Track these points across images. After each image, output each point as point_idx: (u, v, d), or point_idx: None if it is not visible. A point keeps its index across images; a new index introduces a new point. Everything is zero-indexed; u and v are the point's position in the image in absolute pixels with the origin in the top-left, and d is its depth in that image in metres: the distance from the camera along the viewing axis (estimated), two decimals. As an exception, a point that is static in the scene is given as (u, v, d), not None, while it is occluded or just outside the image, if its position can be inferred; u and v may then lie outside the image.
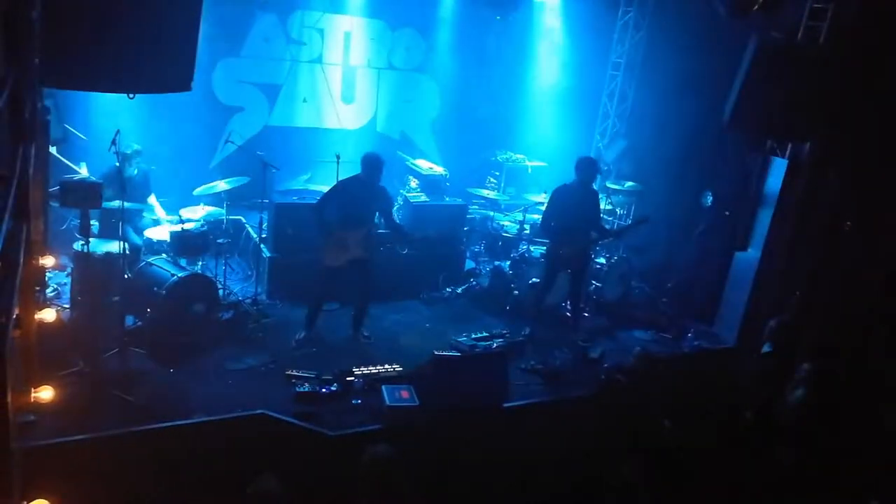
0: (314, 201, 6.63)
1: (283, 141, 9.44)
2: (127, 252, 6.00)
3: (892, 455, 5.31)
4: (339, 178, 6.71)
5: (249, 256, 7.91)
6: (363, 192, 6.38)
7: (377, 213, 6.63)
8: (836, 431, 5.56)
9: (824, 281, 6.89)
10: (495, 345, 6.80)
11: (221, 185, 7.18)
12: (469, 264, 8.70)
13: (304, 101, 9.76)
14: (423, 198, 8.35)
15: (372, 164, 6.32)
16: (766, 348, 6.34)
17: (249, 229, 8.09)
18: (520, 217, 8.63)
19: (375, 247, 6.57)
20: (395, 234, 6.84)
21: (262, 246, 7.58)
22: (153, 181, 7.35)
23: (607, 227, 7.96)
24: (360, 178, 6.41)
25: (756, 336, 6.72)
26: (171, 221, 6.98)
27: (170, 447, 4.88)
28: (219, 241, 7.03)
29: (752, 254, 7.60)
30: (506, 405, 5.84)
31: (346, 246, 6.36)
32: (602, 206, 7.68)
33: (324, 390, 5.67)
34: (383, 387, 5.58)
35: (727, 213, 8.21)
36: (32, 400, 4.77)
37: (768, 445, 5.50)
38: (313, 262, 6.50)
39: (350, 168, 6.93)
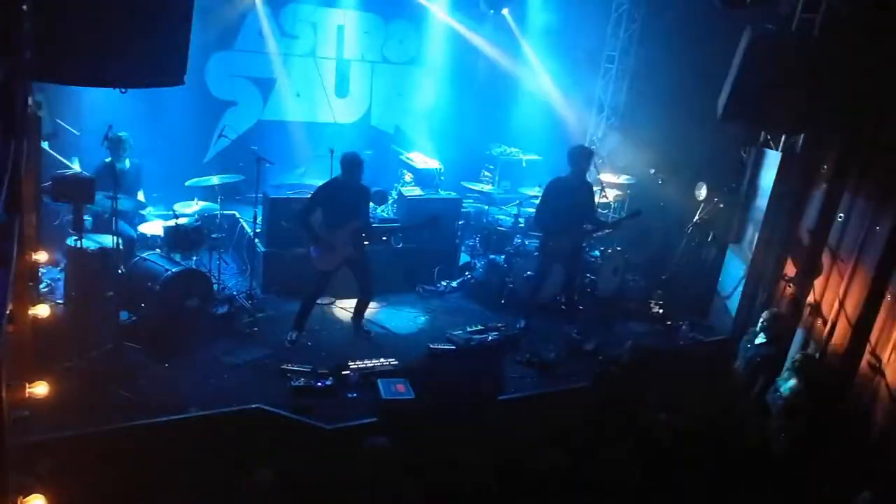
0: (307, 195, 6.61)
1: (276, 135, 9.40)
2: (121, 247, 5.98)
3: (885, 447, 5.35)
4: (330, 176, 6.68)
5: (244, 251, 7.89)
6: (345, 193, 6.37)
7: (360, 211, 6.57)
8: (826, 420, 5.60)
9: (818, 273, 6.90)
10: (490, 338, 6.79)
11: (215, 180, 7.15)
12: (464, 258, 8.71)
13: (298, 95, 9.73)
14: (418, 192, 8.34)
15: (351, 165, 6.30)
16: (759, 339, 6.39)
17: (244, 224, 8.07)
18: (514, 210, 8.63)
19: (363, 243, 6.55)
20: (368, 231, 6.65)
21: (256, 240, 7.57)
22: (145, 175, 7.32)
23: (601, 219, 7.97)
24: (341, 179, 6.40)
25: (750, 327, 6.76)
26: (161, 217, 6.93)
27: (165, 442, 4.88)
28: (213, 235, 7.01)
29: (746, 246, 7.63)
30: (501, 398, 5.85)
31: (334, 248, 6.36)
32: (596, 198, 7.68)
33: (319, 384, 5.68)
34: (379, 380, 5.59)
35: (721, 205, 8.24)
36: (27, 395, 4.75)
37: (761, 434, 5.54)
38: (307, 257, 6.49)
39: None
